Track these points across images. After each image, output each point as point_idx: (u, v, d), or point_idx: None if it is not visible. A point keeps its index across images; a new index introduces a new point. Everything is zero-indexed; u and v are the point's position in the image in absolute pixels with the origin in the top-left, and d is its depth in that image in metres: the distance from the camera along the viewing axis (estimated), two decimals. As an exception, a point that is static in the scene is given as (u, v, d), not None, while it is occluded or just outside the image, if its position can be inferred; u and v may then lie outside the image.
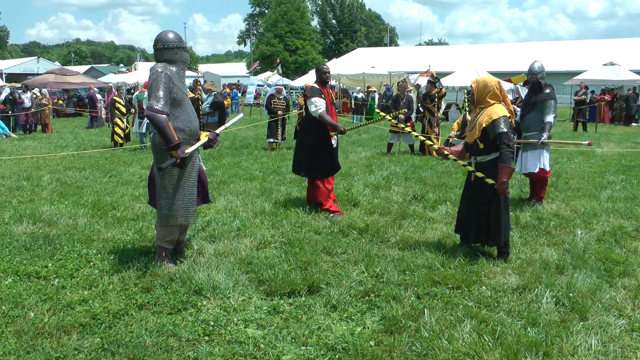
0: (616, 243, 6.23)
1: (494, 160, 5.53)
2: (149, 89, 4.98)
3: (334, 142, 7.65)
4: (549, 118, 7.91)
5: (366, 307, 4.43)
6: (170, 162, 4.92)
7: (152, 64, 5.40)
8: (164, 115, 4.88)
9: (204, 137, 5.34)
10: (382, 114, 7.42)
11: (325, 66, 7.85)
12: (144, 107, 5.64)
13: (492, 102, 5.58)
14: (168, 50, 5.12)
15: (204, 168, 5.70)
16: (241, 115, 7.49)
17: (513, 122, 5.86)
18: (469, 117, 6.68)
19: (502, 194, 5.49)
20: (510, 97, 21.02)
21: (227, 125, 6.08)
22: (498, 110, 5.49)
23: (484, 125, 5.50)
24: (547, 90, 8.04)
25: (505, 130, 5.41)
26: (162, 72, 4.97)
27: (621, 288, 4.89)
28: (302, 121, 7.80)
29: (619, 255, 5.77)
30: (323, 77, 7.65)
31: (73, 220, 6.88)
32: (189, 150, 5.08)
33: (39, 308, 4.31)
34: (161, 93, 4.90)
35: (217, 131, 5.64)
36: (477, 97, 5.71)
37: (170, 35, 5.20)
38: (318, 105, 7.36)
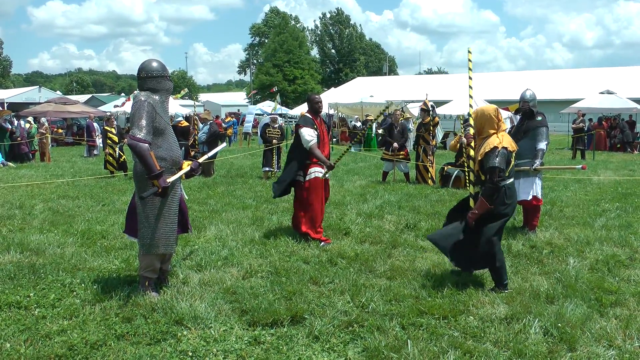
0: (609, 272, 6.14)
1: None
2: (132, 118, 4.96)
3: (323, 171, 7.58)
4: (542, 145, 7.91)
5: (349, 338, 4.34)
6: (151, 192, 4.91)
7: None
8: (146, 145, 4.87)
9: (186, 166, 5.32)
10: (378, 115, 7.47)
11: (317, 96, 7.80)
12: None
13: (492, 132, 5.38)
14: (151, 79, 5.14)
15: (186, 197, 5.66)
16: (224, 144, 7.50)
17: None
18: (464, 140, 6.63)
19: (472, 220, 5.41)
20: (507, 125, 21.03)
21: (209, 154, 6.07)
22: (492, 142, 5.29)
23: (479, 158, 5.37)
24: (539, 118, 8.05)
25: (494, 164, 5.20)
26: (145, 101, 4.97)
27: (612, 318, 4.80)
28: (290, 148, 7.73)
29: (611, 284, 5.68)
30: (315, 107, 7.62)
31: (61, 249, 6.82)
32: (171, 179, 5.05)
33: (16, 339, 4.24)
34: (144, 122, 4.89)
35: (200, 160, 5.62)
36: (476, 128, 5.54)
37: (154, 64, 5.22)
38: (310, 136, 7.32)
